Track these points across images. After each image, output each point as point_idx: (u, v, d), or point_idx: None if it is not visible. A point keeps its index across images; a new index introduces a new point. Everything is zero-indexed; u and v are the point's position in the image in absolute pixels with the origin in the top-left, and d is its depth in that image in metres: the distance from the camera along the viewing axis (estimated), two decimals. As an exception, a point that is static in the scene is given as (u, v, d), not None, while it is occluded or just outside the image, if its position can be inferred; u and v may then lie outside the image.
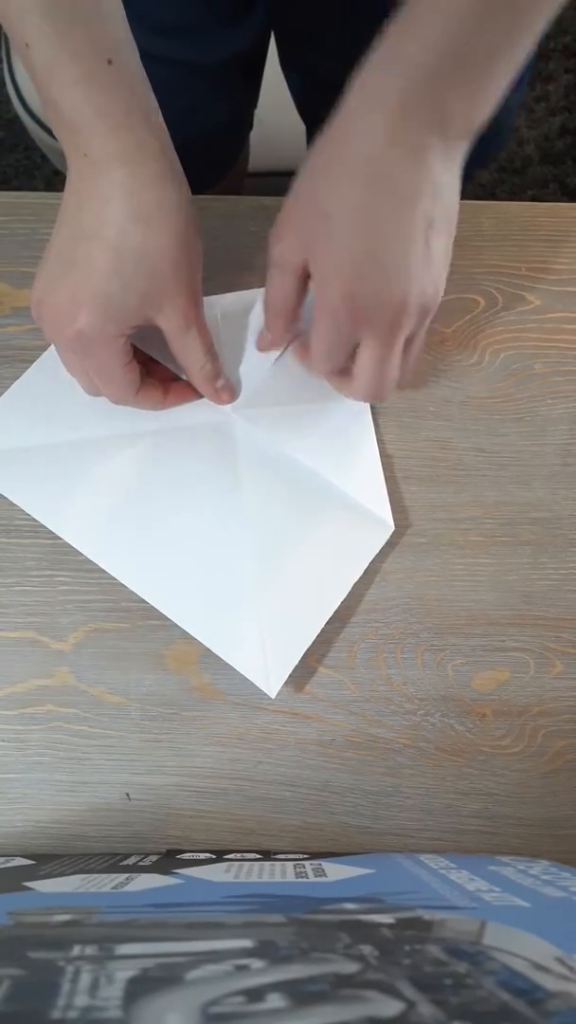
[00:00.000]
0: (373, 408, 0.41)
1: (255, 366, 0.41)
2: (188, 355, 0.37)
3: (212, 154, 0.63)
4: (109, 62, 0.30)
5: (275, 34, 0.57)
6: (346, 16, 0.48)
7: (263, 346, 0.40)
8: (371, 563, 0.39)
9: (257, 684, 0.37)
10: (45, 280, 0.34)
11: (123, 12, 0.31)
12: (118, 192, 0.31)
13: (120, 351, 0.34)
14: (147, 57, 0.32)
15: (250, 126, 0.68)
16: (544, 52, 1.18)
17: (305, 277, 0.34)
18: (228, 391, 0.40)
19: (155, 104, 0.32)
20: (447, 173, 0.32)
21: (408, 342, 0.35)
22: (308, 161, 0.33)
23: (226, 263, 0.42)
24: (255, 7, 0.52)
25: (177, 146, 0.33)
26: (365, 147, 0.30)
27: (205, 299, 0.42)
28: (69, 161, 0.32)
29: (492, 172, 1.16)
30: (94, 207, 0.32)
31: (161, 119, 0.32)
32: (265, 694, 0.37)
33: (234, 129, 0.65)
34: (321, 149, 0.32)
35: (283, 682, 0.37)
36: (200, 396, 0.40)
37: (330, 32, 0.52)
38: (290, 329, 0.39)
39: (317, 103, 0.63)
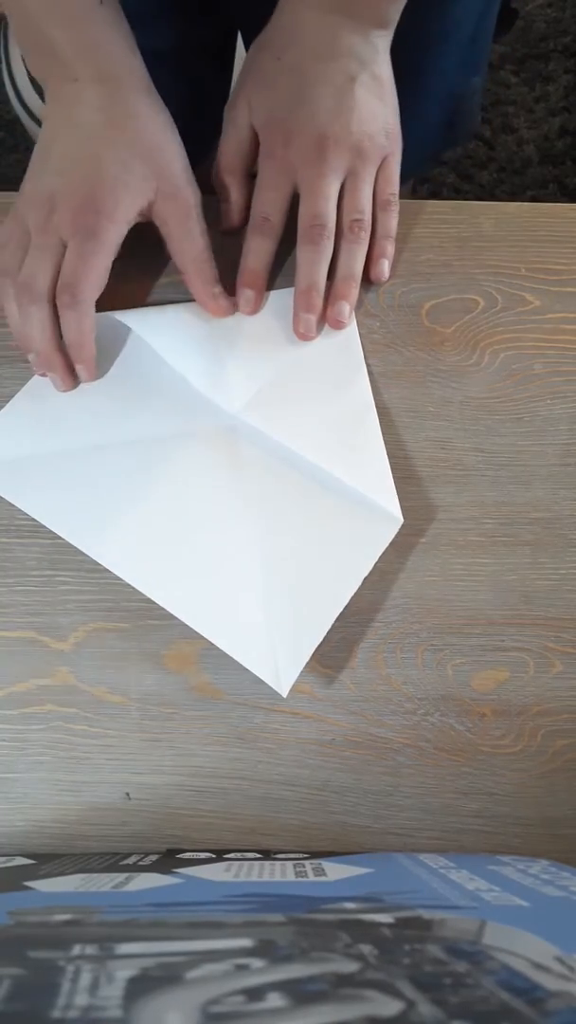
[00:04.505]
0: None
1: (258, 369, 0.41)
2: (187, 242, 0.39)
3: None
4: (100, 2, 0.35)
5: (241, 33, 0.57)
6: None
7: (226, 221, 0.43)
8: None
9: (268, 683, 0.37)
10: (53, 178, 0.37)
11: None
12: (108, 101, 0.37)
13: (117, 239, 0.37)
14: None
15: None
16: (544, 53, 1.18)
17: (253, 134, 0.41)
18: (226, 298, 0.41)
19: (130, 33, 0.38)
20: (367, 48, 0.40)
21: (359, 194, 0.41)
22: (252, 51, 0.42)
23: (226, 264, 0.42)
24: (216, 6, 0.52)
25: None
26: (299, 35, 0.40)
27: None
28: (53, 85, 0.38)
29: (492, 172, 1.16)
30: (87, 114, 0.37)
31: (135, 45, 0.38)
32: (265, 693, 0.37)
33: (202, 118, 0.65)
34: (261, 43, 0.41)
35: (295, 680, 0.37)
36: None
37: None
38: (240, 190, 0.43)
39: None
